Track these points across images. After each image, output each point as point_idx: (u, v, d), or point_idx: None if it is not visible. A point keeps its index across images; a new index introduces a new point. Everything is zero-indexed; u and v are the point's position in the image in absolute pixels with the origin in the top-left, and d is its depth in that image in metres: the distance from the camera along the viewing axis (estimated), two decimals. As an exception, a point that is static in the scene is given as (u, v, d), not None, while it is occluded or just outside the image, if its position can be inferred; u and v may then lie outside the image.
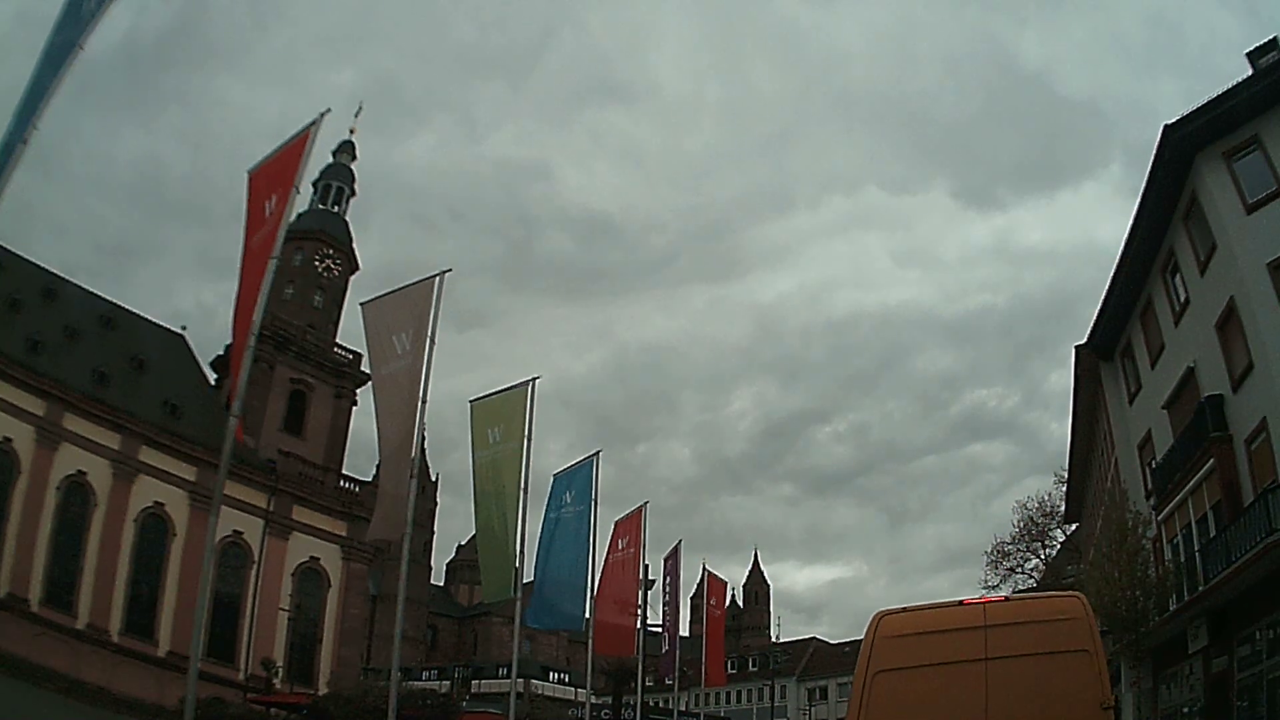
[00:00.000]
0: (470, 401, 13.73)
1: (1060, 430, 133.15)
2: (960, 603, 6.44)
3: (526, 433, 12.93)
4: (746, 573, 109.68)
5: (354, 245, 50.91)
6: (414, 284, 11.78)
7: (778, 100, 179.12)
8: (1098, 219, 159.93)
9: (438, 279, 11.30)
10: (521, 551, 13.13)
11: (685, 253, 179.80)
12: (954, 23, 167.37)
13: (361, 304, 13.24)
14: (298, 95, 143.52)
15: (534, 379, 13.54)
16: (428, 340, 10.74)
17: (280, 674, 36.08)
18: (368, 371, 27.78)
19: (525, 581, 14.23)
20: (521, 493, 12.68)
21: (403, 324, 11.26)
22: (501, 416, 13.09)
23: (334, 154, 52.02)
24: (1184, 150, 16.50)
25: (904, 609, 6.49)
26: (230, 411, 8.22)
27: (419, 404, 10.16)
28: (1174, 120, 16.30)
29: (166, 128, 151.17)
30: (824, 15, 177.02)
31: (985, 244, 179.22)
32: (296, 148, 10.09)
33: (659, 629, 22.65)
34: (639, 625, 21.14)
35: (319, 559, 40.80)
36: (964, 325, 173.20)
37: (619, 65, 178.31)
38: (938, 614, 6.34)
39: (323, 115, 10.26)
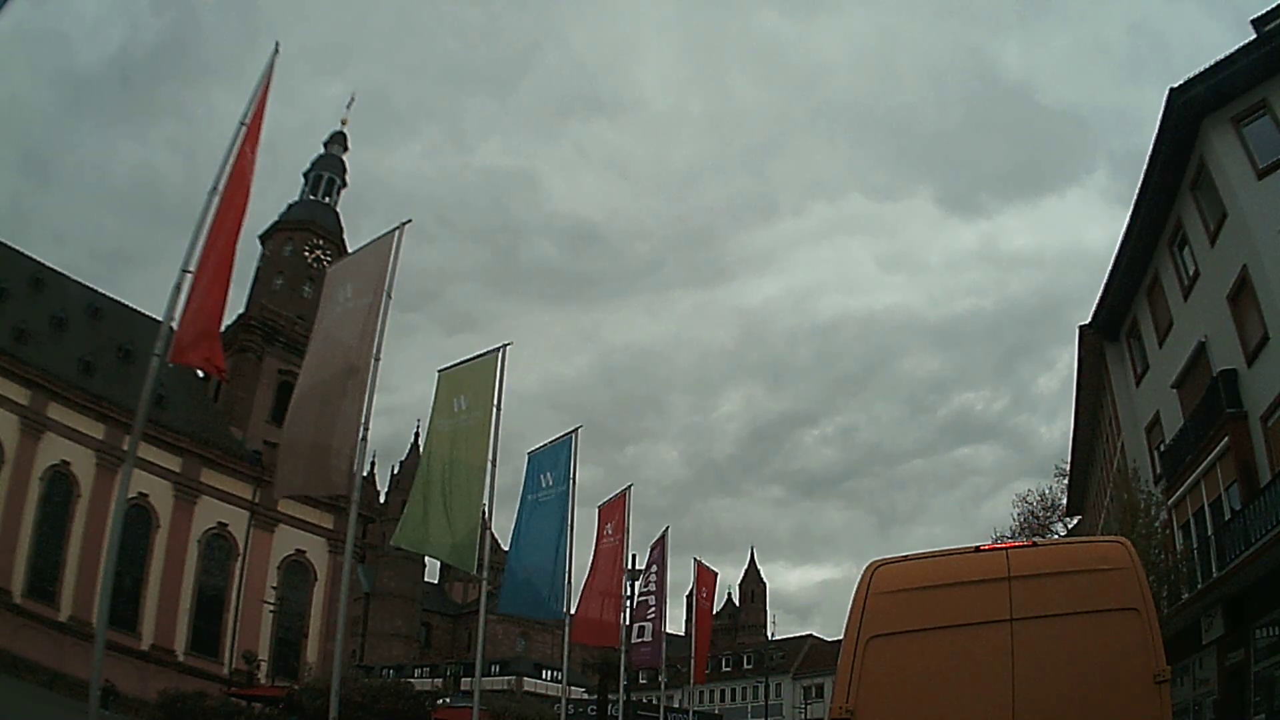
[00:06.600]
0: (439, 371, 13.02)
1: (1049, 433, 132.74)
2: (976, 549, 5.33)
3: (496, 402, 12.24)
4: (742, 572, 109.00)
5: (344, 236, 50.30)
6: (376, 240, 11.16)
7: (760, 111, 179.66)
8: (1084, 224, 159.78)
9: (398, 232, 10.65)
10: (484, 529, 12.36)
11: (671, 259, 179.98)
12: (935, 35, 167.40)
13: (329, 269, 12.66)
14: (289, 106, 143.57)
15: (505, 345, 12.87)
16: (384, 292, 10.13)
17: (264, 668, 35.39)
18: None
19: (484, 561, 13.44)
20: (490, 465, 11.97)
21: (354, 278, 10.73)
22: (469, 385, 12.40)
23: (325, 145, 51.34)
24: (1190, 116, 15.79)
25: (904, 558, 5.31)
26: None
27: (374, 346, 9.49)
28: (1179, 84, 15.54)
29: (161, 139, 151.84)
30: (805, 28, 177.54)
31: (971, 249, 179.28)
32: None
33: (644, 620, 21.89)
34: (624, 616, 20.33)
35: (305, 552, 40.16)
36: (950, 329, 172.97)
37: (603, 78, 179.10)
38: (948, 563, 5.16)
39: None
